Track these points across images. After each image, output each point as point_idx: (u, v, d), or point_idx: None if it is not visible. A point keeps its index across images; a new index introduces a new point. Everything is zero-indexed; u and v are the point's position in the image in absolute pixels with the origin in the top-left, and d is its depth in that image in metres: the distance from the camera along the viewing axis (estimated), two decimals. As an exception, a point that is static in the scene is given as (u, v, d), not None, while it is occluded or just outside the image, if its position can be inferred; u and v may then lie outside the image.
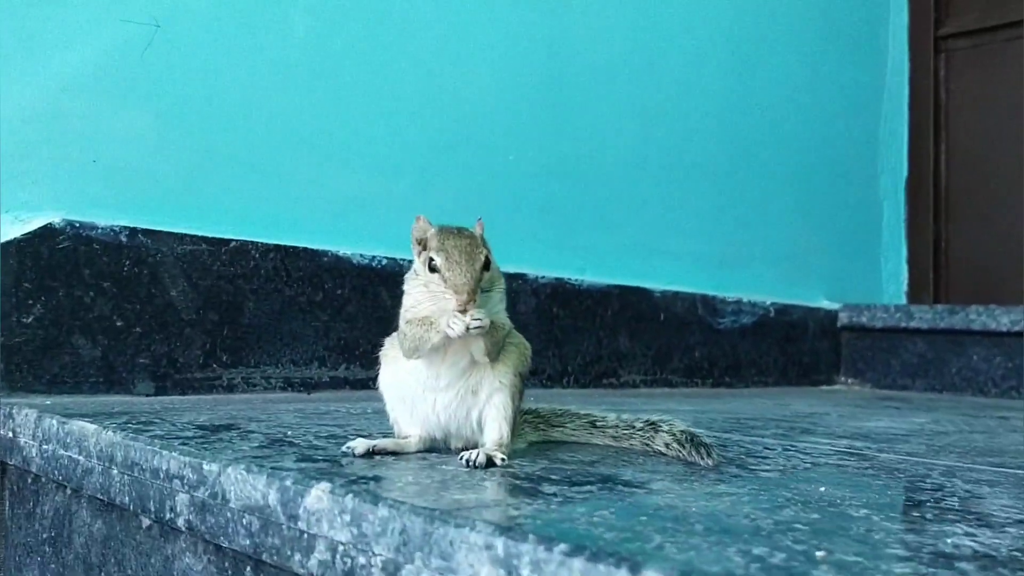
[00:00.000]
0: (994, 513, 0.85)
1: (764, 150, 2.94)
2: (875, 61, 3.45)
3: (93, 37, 1.65)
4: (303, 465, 0.95)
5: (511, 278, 2.18)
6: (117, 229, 1.63)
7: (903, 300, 3.47)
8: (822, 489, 0.94)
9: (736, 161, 2.85)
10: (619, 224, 2.55)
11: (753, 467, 1.08)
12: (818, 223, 3.18)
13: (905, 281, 3.51)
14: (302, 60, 1.92)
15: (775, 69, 2.97)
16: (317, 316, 1.89)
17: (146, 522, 1.11)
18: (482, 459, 0.98)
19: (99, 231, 1.60)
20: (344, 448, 1.04)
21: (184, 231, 1.71)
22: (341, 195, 1.98)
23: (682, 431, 1.14)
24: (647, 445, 1.16)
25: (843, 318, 3.20)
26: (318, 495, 0.84)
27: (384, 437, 1.10)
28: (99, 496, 1.16)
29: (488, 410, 1.05)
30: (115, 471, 1.12)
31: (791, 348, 3.00)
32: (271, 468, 0.92)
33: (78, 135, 1.63)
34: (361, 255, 1.97)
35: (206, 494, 0.97)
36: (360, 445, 1.04)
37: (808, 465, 1.13)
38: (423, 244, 1.01)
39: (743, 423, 1.66)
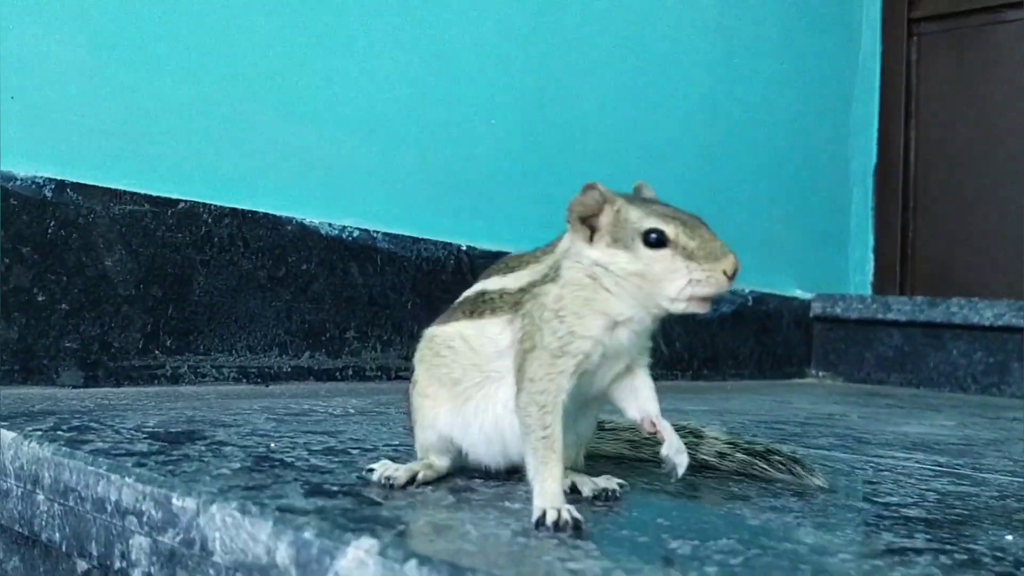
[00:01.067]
0: None
1: (739, 135, 2.76)
2: (848, 43, 3.31)
3: (12, -58, 1.33)
4: (319, 502, 0.68)
5: (488, 257, 1.93)
6: (40, 181, 1.31)
7: (868, 290, 3.33)
8: (1009, 538, 0.72)
9: (713, 147, 2.67)
10: (603, 200, 2.32)
11: (878, 499, 0.86)
12: (790, 209, 3.01)
13: (871, 271, 3.37)
14: (262, 8, 1.62)
15: (752, 55, 2.78)
16: (278, 294, 1.61)
17: (83, 566, 0.83)
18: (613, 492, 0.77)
19: (17, 183, 1.29)
20: (376, 477, 0.77)
21: (123, 187, 1.41)
22: (309, 156, 1.70)
23: (788, 455, 0.91)
24: (754, 470, 0.93)
25: (816, 308, 3.04)
26: (359, 558, 0.58)
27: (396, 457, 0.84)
28: (17, 528, 0.87)
29: (585, 426, 0.80)
30: (41, 497, 0.83)
31: (766, 339, 2.83)
32: (277, 508, 0.66)
33: (-9, 63, 1.31)
34: (330, 225, 1.69)
35: (177, 540, 0.70)
36: (400, 474, 0.78)
37: (932, 493, 0.91)
38: (591, 221, 0.73)
39: (779, 428, 1.44)
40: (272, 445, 0.94)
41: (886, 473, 1.03)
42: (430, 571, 0.54)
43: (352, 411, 1.29)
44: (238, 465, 0.82)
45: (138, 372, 1.42)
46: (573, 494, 0.78)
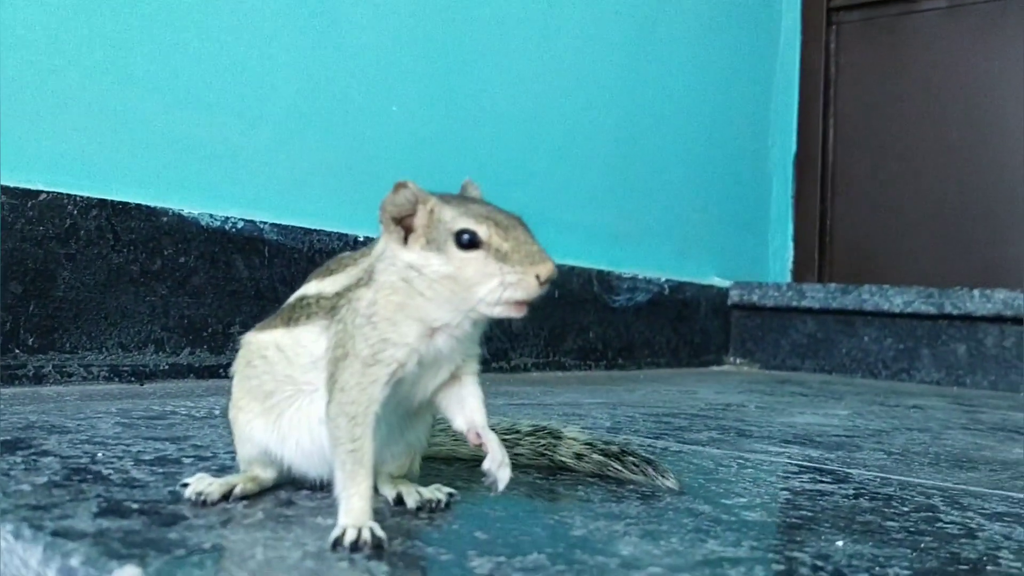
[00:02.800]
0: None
1: (658, 121, 2.74)
2: (768, 32, 3.31)
3: None
4: (105, 523, 0.63)
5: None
6: None
7: (788, 278, 3.37)
8: (839, 544, 0.70)
9: (631, 132, 2.64)
10: (511, 193, 2.25)
11: (725, 500, 0.84)
12: (709, 197, 3.01)
13: (790, 259, 3.40)
14: (138, -29, 1.55)
15: (670, 42, 2.77)
16: (154, 289, 1.54)
17: None
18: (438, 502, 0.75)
19: None
20: (188, 493, 0.72)
21: (-26, 178, 1.33)
22: (187, 142, 1.63)
23: (642, 456, 0.89)
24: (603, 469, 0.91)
25: (733, 296, 3.05)
26: (121, 587, 0.53)
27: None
28: None
29: (417, 434, 0.76)
30: None
31: (683, 327, 2.83)
32: (53, 530, 0.61)
33: None
34: (211, 216, 1.62)
35: (-45, 565, 0.65)
36: (213, 488, 0.73)
37: (786, 493, 0.89)
38: (406, 222, 0.68)
39: (666, 422, 1.42)
40: (99, 455, 0.88)
41: (748, 471, 1.01)
42: (188, 603, 0.50)
43: (217, 412, 1.24)
44: (44, 480, 0.76)
45: (-5, 373, 1.35)
46: (398, 505, 0.75)
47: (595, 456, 0.92)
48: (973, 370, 2.69)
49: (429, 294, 0.67)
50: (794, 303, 2.98)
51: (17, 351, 1.37)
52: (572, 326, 2.40)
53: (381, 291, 0.68)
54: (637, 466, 0.90)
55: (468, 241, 0.66)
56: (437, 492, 0.75)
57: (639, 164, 2.69)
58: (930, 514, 0.83)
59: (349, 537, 0.61)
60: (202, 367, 1.60)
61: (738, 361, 3.08)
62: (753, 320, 3.07)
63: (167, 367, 1.56)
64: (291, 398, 0.72)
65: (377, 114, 1.95)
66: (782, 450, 1.19)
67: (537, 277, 0.65)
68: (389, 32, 1.96)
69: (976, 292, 2.66)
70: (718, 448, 1.17)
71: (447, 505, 0.74)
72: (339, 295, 0.71)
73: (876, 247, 3.26)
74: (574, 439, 0.94)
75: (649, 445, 1.16)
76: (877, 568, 0.63)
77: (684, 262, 2.90)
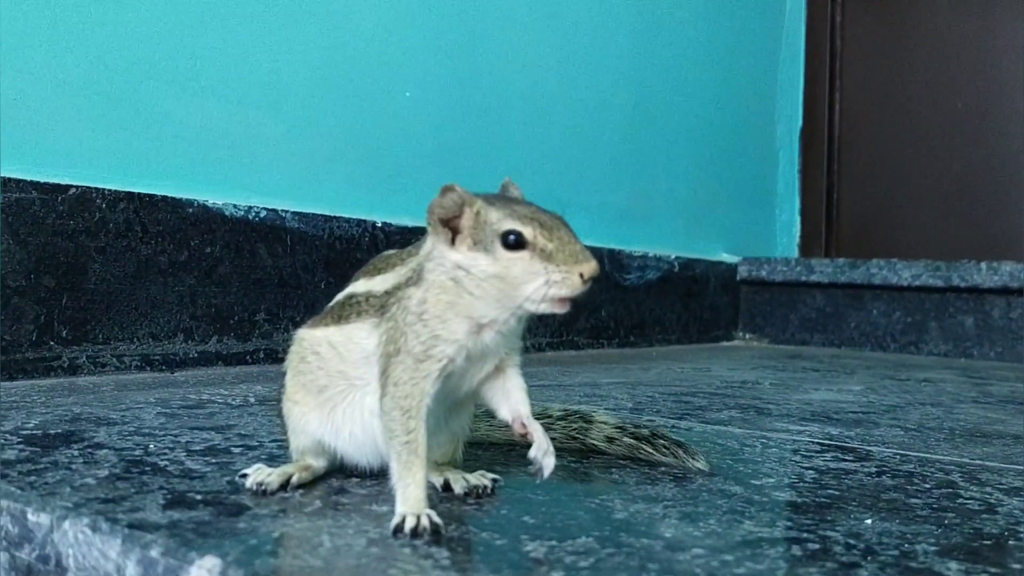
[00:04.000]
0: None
1: (665, 100, 2.76)
2: (774, 7, 3.32)
3: None
4: (175, 515, 0.67)
5: (405, 233, 1.91)
6: (-87, 172, 1.26)
7: (795, 253, 3.40)
8: (868, 522, 0.73)
9: (638, 111, 2.66)
10: (524, 174, 2.30)
11: (755, 481, 0.87)
12: (717, 173, 3.03)
13: (798, 233, 3.43)
14: (157, -34, 1.57)
15: (676, 20, 2.78)
16: (181, 279, 1.57)
17: (-49, 579, 0.81)
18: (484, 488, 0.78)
19: None
20: (249, 483, 0.76)
21: (8, 174, 1.36)
22: (210, 133, 1.65)
23: (672, 439, 0.94)
24: (635, 452, 0.95)
25: (742, 272, 3.08)
26: (203, 576, 0.57)
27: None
28: None
29: (460, 423, 0.80)
30: (-98, 511, 0.81)
31: (693, 304, 2.86)
32: (128, 523, 0.64)
33: None
34: (235, 206, 1.65)
35: (33, 555, 0.68)
36: (272, 479, 0.76)
37: (812, 472, 0.93)
38: (453, 223, 0.70)
39: (686, 401, 1.46)
40: (151, 446, 0.92)
41: (773, 450, 1.04)
42: (269, 590, 0.53)
43: (252, 400, 1.27)
44: (106, 473, 0.80)
45: (32, 365, 1.38)
46: (446, 491, 0.78)
47: (626, 439, 0.95)
48: (980, 342, 2.72)
49: (478, 292, 0.70)
50: (803, 278, 3.01)
51: (52, 343, 1.41)
52: (585, 305, 2.44)
53: (431, 290, 0.71)
54: (668, 448, 0.93)
55: (514, 242, 0.68)
56: (482, 478, 0.79)
57: (648, 143, 2.71)
58: (951, 490, 0.86)
59: (409, 524, 0.64)
60: (229, 354, 1.64)
61: (748, 336, 3.11)
62: (762, 295, 3.10)
63: (196, 355, 1.59)
64: (344, 392, 0.75)
65: (392, 100, 1.97)
66: (802, 428, 1.22)
67: (581, 276, 0.68)
68: (401, 19, 1.98)
69: (983, 265, 2.69)
70: (740, 428, 1.21)
71: (492, 491, 0.78)
72: (388, 293, 0.74)
73: (883, 220, 3.29)
74: (604, 423, 0.98)
75: (673, 426, 1.20)
76: (906, 545, 0.67)
77: (693, 239, 2.92)
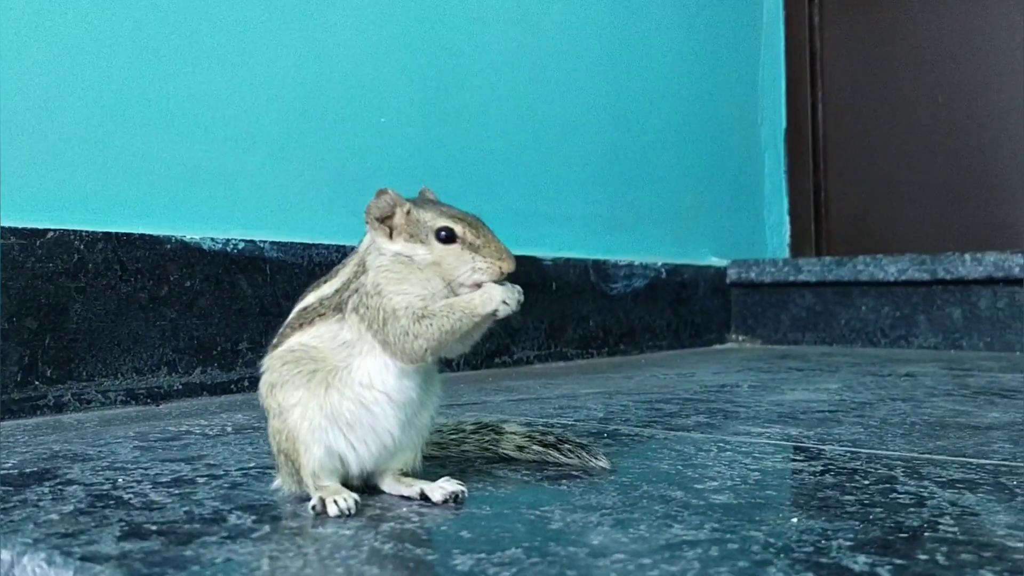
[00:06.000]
0: (1008, 543, 0.69)
1: (645, 107, 2.80)
2: (751, 9, 3.35)
3: None
4: (127, 546, 0.71)
5: (388, 255, 1.95)
6: None
7: (786, 253, 3.43)
8: (794, 520, 0.76)
9: (618, 119, 2.70)
10: (503, 191, 2.35)
11: (699, 486, 0.90)
12: (702, 178, 3.07)
13: (787, 233, 3.46)
14: (122, 11, 1.61)
15: (652, 23, 2.82)
16: (162, 314, 1.61)
17: (-71, 617, 0.85)
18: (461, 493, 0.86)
19: None
20: (333, 512, 0.80)
21: (-15, 223, 1.40)
22: (185, 170, 1.70)
23: (576, 442, 1.02)
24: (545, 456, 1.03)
25: (732, 274, 3.11)
26: (144, 603, 0.60)
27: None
28: None
29: (425, 420, 0.88)
30: None
31: (683, 309, 2.89)
32: (81, 556, 0.68)
33: None
34: (212, 239, 1.70)
35: (-3, 592, 0.72)
36: (349, 503, 0.81)
37: (757, 474, 0.96)
38: (389, 221, 0.84)
39: (658, 408, 1.49)
40: (119, 480, 0.96)
41: (727, 454, 1.07)
42: (202, 613, 0.57)
43: (230, 429, 1.31)
44: (71, 508, 0.84)
45: (18, 405, 1.42)
46: (424, 500, 0.84)
47: (535, 447, 1.03)
48: (969, 333, 2.75)
49: (420, 274, 0.83)
50: (791, 278, 3.03)
51: (37, 383, 1.45)
52: (571, 317, 2.47)
53: (380, 273, 0.83)
54: (572, 451, 1.01)
55: (446, 236, 0.83)
56: (456, 484, 0.85)
57: (628, 151, 2.75)
58: (888, 485, 0.89)
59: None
60: (214, 384, 1.68)
61: (740, 338, 3.14)
62: (752, 297, 3.13)
63: (181, 387, 1.63)
64: (331, 372, 0.84)
65: (366, 125, 2.01)
66: (763, 430, 1.25)
67: (501, 270, 0.83)
68: (370, 44, 2.03)
69: (967, 256, 2.71)
70: (703, 433, 1.24)
71: (465, 497, 0.85)
72: (339, 291, 0.85)
73: (871, 217, 3.31)
74: (514, 433, 1.05)
75: (636, 434, 1.23)
76: (823, 541, 0.70)
77: (680, 245, 2.96)
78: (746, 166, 3.32)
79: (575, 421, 1.36)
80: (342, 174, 1.95)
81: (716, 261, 3.11)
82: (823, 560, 0.65)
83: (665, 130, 2.89)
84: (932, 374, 2.01)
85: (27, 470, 1.02)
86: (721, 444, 1.14)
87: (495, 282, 0.84)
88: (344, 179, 1.95)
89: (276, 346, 0.88)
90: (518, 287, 0.85)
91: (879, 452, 1.08)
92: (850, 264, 2.94)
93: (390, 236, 0.84)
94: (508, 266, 0.83)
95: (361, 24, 2.00)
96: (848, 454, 1.07)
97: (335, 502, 0.80)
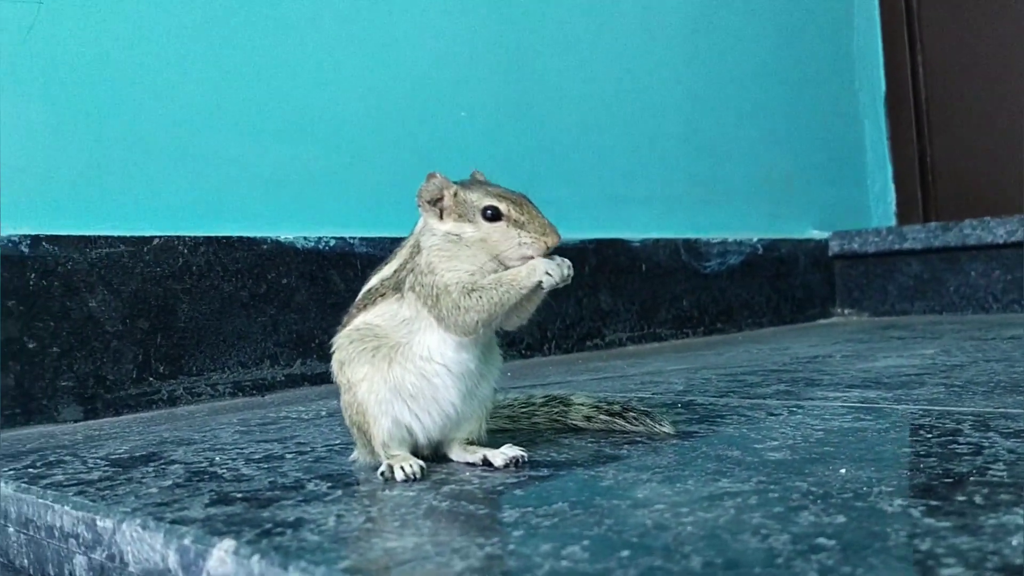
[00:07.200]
0: (1057, 485, 0.69)
1: (730, 81, 2.77)
2: (841, -28, 3.27)
3: (-36, 25, 1.45)
4: (213, 511, 0.78)
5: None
6: (16, 239, 1.44)
7: (893, 221, 3.32)
8: (842, 472, 0.77)
9: (699, 94, 2.68)
10: (586, 175, 2.38)
11: (758, 445, 0.92)
12: (798, 148, 3.01)
13: (893, 201, 3.36)
14: (213, 27, 1.72)
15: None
16: (263, 310, 1.71)
17: (53, 584, 0.95)
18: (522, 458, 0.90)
19: (-5, 244, 1.41)
20: (400, 477, 0.86)
21: (96, 233, 1.53)
22: (275, 174, 1.80)
23: (640, 409, 1.05)
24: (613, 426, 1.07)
25: (834, 247, 3.04)
26: (220, 557, 0.67)
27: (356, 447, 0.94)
28: (0, 559, 0.99)
29: (486, 391, 0.93)
30: (11, 529, 0.95)
31: (782, 284, 2.85)
32: (171, 520, 0.75)
33: (-40, 138, 1.43)
34: (305, 238, 1.79)
35: (103, 556, 0.81)
36: (416, 468, 0.87)
37: (820, 433, 0.97)
38: (439, 203, 0.90)
39: (740, 380, 1.50)
40: (216, 459, 1.04)
41: (796, 417, 1.08)
42: (268, 563, 0.63)
43: (324, 413, 1.39)
44: (169, 483, 0.92)
45: (135, 400, 1.54)
46: (485, 466, 0.89)
47: (602, 416, 1.07)
48: (1087, 292, 2.62)
49: (469, 251, 0.88)
50: (896, 246, 2.95)
51: (151, 379, 1.57)
52: (664, 297, 2.48)
53: (432, 252, 0.89)
54: (637, 419, 1.04)
55: (492, 214, 0.87)
56: (517, 450, 0.90)
57: (714, 126, 2.72)
58: (950, 438, 0.89)
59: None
60: (314, 375, 1.77)
61: (846, 312, 3.07)
62: (856, 268, 3.06)
63: (283, 378, 1.73)
64: (394, 347, 0.90)
65: (446, 119, 2.08)
66: (841, 395, 1.25)
67: (546, 244, 0.87)
68: (444, 41, 2.09)
69: (1080, 213, 2.58)
70: (778, 399, 1.24)
71: (527, 460, 0.89)
72: (397, 271, 0.91)
73: (981, 179, 3.18)
74: (582, 404, 1.09)
75: (711, 404, 1.25)
76: (864, 488, 0.71)
77: (777, 220, 2.92)
78: (844, 135, 3.24)
79: (653, 394, 1.38)
80: (424, 168, 2.01)
81: (816, 234, 3.05)
82: (858, 504, 0.67)
83: (752, 103, 2.85)
84: (1040, 336, 1.94)
85: (136, 454, 1.11)
86: (793, 409, 1.15)
87: (543, 256, 0.87)
88: (425, 171, 2.01)
89: (344, 326, 0.94)
90: (567, 261, 0.88)
91: (952, 409, 1.06)
92: (956, 229, 2.84)
93: (440, 217, 0.89)
94: (552, 240, 0.87)
95: (435, 23, 2.07)
96: (920, 412, 1.06)
97: (401, 468, 0.86)
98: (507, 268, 0.88)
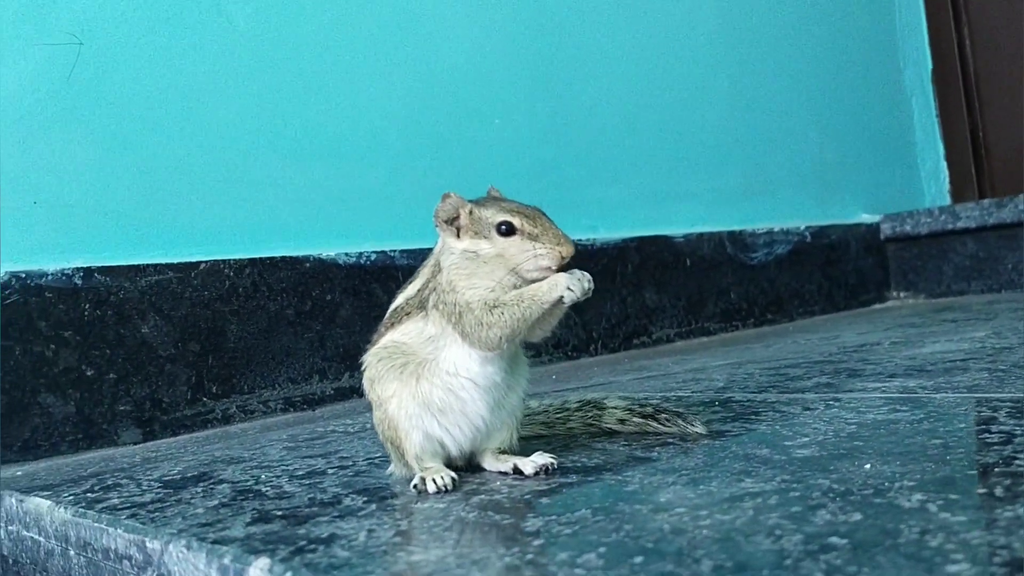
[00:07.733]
0: (1083, 473, 0.68)
1: (774, 65, 2.74)
2: (881, -52, 3.21)
3: (10, 66, 1.52)
4: (253, 529, 0.81)
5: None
6: (69, 272, 1.50)
7: (947, 200, 3.25)
8: (867, 467, 0.78)
9: (739, 84, 2.66)
10: (627, 173, 2.38)
11: (788, 443, 0.92)
12: (844, 132, 2.97)
13: (946, 180, 3.29)
14: (247, 52, 1.77)
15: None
16: (309, 327, 1.76)
17: (113, 603, 0.99)
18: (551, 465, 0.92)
19: (49, 278, 1.48)
20: (432, 489, 0.89)
21: (145, 261, 1.59)
22: (314, 193, 1.84)
23: (672, 411, 1.06)
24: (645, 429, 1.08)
25: (886, 230, 3.00)
26: (257, 574, 0.70)
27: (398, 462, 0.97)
28: (64, 580, 1.04)
29: (514, 401, 0.95)
30: (72, 552, 1.00)
31: (834, 271, 2.81)
32: (213, 540, 0.79)
33: (10, 175, 1.50)
34: (347, 254, 1.83)
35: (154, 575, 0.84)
36: (448, 480, 0.89)
37: (853, 427, 0.97)
38: (455, 222, 0.92)
39: (783, 373, 1.49)
40: (262, 476, 1.08)
41: (832, 411, 1.08)
42: (300, 579, 0.66)
43: (368, 426, 1.42)
44: (215, 503, 0.96)
45: (191, 420, 1.60)
46: (516, 474, 0.91)
47: (635, 419, 1.08)
48: None
49: (487, 267, 0.89)
50: (950, 226, 2.89)
51: (204, 399, 1.62)
52: (710, 291, 2.47)
53: (451, 271, 0.91)
54: (669, 420, 1.05)
55: (506, 229, 0.89)
56: (547, 457, 0.92)
57: (756, 115, 2.70)
58: (983, 427, 0.88)
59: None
60: (362, 387, 1.80)
61: (901, 295, 3.02)
62: (910, 251, 3.01)
63: (332, 392, 1.77)
64: (421, 363, 0.92)
65: (479, 129, 2.10)
66: (881, 385, 1.24)
67: (561, 255, 0.88)
68: (479, 49, 2.11)
69: None
70: (817, 393, 1.24)
71: (555, 468, 0.91)
72: (421, 290, 0.95)
73: (1036, 152, 3.11)
74: (616, 407, 1.10)
75: (748, 400, 1.25)
76: (886, 484, 0.71)
77: (825, 205, 2.88)
78: (892, 115, 3.18)
79: (692, 392, 1.39)
80: (462, 179, 2.04)
81: (867, 218, 3.00)
82: (877, 500, 0.67)
83: (796, 88, 2.82)
84: (1098, 312, 1.89)
85: (188, 475, 1.16)
86: (831, 402, 1.14)
87: (563, 270, 0.89)
88: (463, 183, 2.03)
89: (373, 344, 0.97)
90: (587, 274, 0.89)
91: (991, 395, 1.05)
92: (1011, 204, 2.78)
93: (457, 235, 0.92)
94: (567, 250, 0.88)
95: (469, 33, 2.09)
96: (958, 400, 1.05)
97: (433, 480, 0.88)
98: (526, 281, 0.89)
